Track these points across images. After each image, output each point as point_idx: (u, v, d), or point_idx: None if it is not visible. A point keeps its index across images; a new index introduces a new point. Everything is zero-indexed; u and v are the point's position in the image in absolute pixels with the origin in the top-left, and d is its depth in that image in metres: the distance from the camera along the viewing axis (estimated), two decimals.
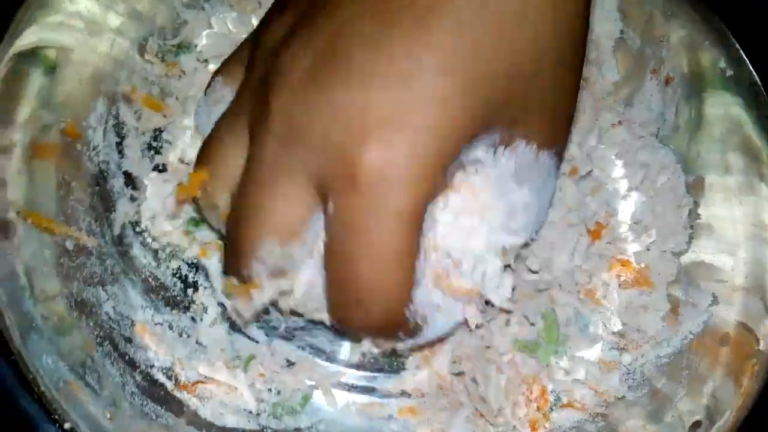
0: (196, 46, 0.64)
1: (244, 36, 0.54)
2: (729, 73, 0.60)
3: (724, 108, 0.61)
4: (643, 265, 0.62)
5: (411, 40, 0.37)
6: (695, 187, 0.62)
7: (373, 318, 0.41)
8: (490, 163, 0.43)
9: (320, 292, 0.44)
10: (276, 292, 0.45)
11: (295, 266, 0.43)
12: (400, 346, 0.47)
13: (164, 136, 0.63)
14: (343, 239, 0.39)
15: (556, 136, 0.45)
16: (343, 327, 0.44)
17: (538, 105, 0.42)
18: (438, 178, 0.39)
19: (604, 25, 0.66)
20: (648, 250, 0.62)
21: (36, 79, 0.56)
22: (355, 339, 0.48)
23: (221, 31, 0.64)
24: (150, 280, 0.60)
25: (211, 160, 0.46)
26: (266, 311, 0.49)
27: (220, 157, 0.45)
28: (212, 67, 0.63)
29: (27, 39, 0.54)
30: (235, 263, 0.44)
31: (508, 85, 0.39)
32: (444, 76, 0.37)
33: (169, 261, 0.60)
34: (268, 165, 0.40)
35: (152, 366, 0.57)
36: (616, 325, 0.61)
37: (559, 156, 0.46)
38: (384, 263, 0.39)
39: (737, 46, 0.60)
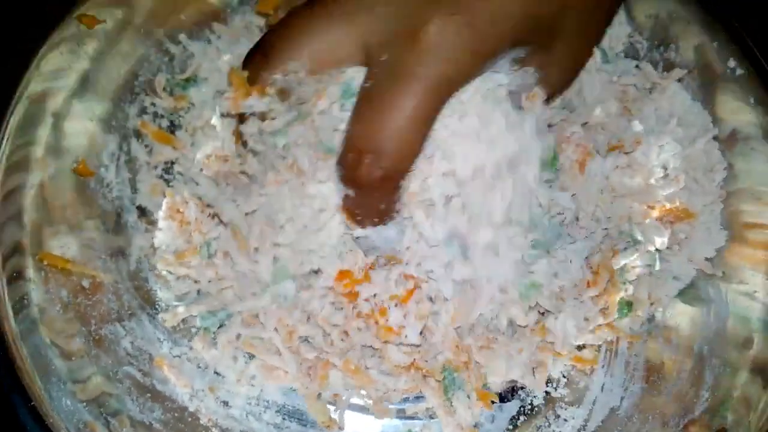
0: (205, 79, 0.65)
1: None
2: (739, 72, 0.59)
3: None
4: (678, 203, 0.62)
5: None
6: None
7: (380, 165, 0.45)
8: (506, 73, 0.49)
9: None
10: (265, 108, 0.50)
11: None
12: (366, 231, 0.51)
13: (176, 168, 0.64)
14: (385, 82, 0.45)
15: (560, 81, 0.53)
16: (347, 178, 0.47)
17: (561, 45, 0.49)
18: (477, 67, 0.46)
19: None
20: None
21: (47, 121, 0.57)
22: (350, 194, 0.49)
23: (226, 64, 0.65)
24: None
25: None
26: None
27: None
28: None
29: (37, 83, 0.56)
30: (260, 61, 0.49)
31: (554, 11, 0.46)
32: None
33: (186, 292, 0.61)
34: (334, 15, 0.47)
35: (173, 399, 0.58)
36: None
37: (551, 98, 0.54)
38: (411, 118, 0.44)
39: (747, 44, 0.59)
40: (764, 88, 0.58)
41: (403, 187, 0.48)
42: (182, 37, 0.64)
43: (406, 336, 0.54)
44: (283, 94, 0.49)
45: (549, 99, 0.53)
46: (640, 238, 0.61)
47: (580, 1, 0.48)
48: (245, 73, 0.49)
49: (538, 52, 0.48)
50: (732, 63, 0.59)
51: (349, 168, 0.47)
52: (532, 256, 0.54)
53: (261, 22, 0.66)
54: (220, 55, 0.65)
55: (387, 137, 0.44)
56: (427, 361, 0.58)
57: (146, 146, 0.63)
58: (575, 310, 0.60)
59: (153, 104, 0.64)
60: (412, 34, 0.43)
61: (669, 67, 0.63)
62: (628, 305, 0.61)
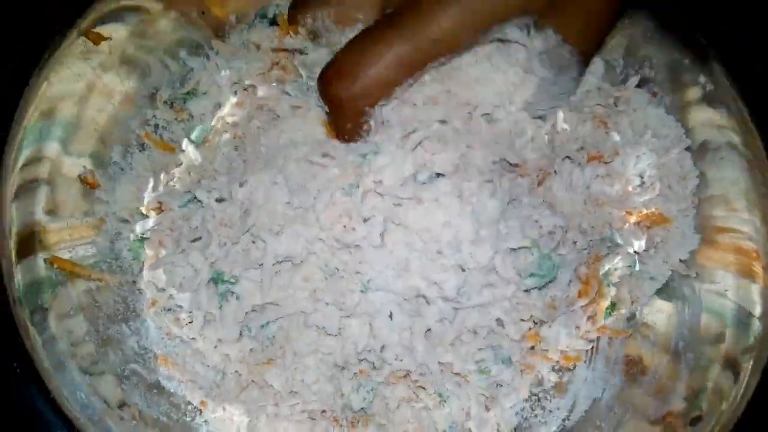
0: (204, 93, 0.68)
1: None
2: (709, 88, 0.62)
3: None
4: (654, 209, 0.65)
5: None
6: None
7: (347, 89, 0.53)
8: (522, 40, 0.54)
9: None
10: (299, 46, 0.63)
11: None
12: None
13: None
14: (381, 27, 0.53)
15: (585, 38, 0.56)
16: (321, 90, 0.55)
17: (573, 3, 0.54)
18: (468, 37, 0.53)
19: None
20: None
21: (55, 134, 0.59)
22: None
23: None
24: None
25: None
26: None
27: None
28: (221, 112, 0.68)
29: (47, 97, 0.58)
30: (298, 5, 0.62)
31: None
32: None
33: None
34: None
35: (178, 395, 0.60)
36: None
37: (584, 57, 0.57)
38: (387, 62, 0.52)
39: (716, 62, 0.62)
40: (732, 102, 0.60)
41: (369, 116, 0.55)
42: (182, 53, 0.67)
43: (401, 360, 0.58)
44: (313, 34, 0.61)
45: (586, 55, 0.57)
46: (620, 242, 0.64)
47: None
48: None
49: (548, 14, 0.53)
50: (702, 79, 0.62)
51: (323, 82, 0.54)
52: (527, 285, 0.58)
53: (257, 39, 0.68)
54: (219, 71, 0.68)
55: (361, 68, 0.52)
56: (422, 375, 0.60)
57: (148, 156, 0.66)
58: (567, 319, 0.63)
59: (154, 116, 0.66)
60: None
61: (644, 82, 0.66)
62: (612, 305, 0.65)
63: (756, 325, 0.58)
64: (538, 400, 0.64)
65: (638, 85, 0.67)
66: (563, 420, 0.63)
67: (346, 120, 0.56)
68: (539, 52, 0.54)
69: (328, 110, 0.56)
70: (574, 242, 0.62)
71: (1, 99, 0.56)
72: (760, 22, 0.60)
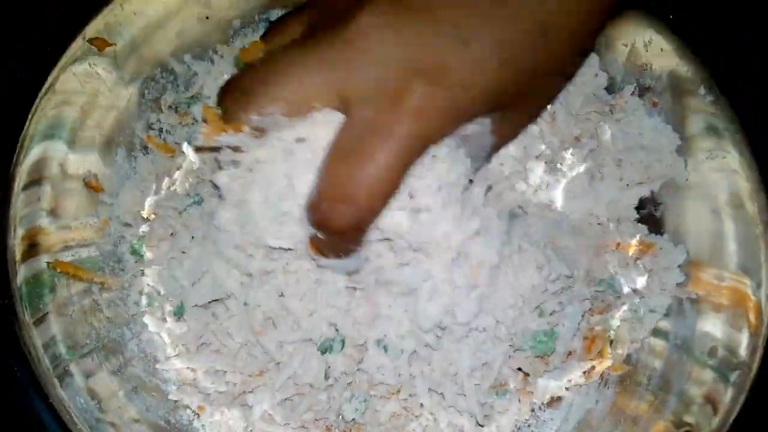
0: (208, 97, 0.68)
1: None
2: (709, 98, 0.62)
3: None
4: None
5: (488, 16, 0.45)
6: None
7: (351, 214, 0.46)
8: None
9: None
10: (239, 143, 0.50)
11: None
12: (329, 262, 0.51)
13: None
14: (362, 136, 0.45)
15: (512, 135, 0.56)
16: (318, 224, 0.48)
17: (522, 104, 0.51)
18: (449, 131, 0.48)
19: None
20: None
21: (61, 135, 0.60)
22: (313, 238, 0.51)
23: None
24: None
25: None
26: None
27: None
28: None
29: (52, 103, 0.59)
30: (239, 100, 0.49)
31: (526, 80, 0.48)
32: (495, 49, 0.45)
33: None
34: (312, 61, 0.47)
35: (176, 399, 0.62)
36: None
37: (497, 149, 0.55)
38: (384, 172, 0.45)
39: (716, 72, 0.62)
40: (730, 112, 0.61)
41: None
42: (187, 57, 0.68)
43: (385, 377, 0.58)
44: (257, 130, 0.49)
45: (494, 149, 0.55)
46: (623, 290, 0.65)
47: (550, 67, 0.50)
48: (219, 110, 0.50)
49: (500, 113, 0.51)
50: (702, 90, 0.62)
51: (320, 215, 0.48)
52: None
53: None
54: (223, 76, 0.68)
55: (360, 189, 0.45)
56: (412, 396, 0.60)
57: (152, 161, 0.66)
58: (560, 373, 0.63)
59: (159, 120, 0.67)
60: (394, 97, 0.45)
61: (643, 92, 0.66)
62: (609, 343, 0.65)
63: (746, 337, 0.58)
64: (532, 410, 0.65)
65: (639, 95, 0.67)
66: (556, 430, 0.64)
67: (349, 244, 0.50)
68: (465, 133, 0.50)
69: (323, 238, 0.49)
70: (578, 293, 0.62)
71: (8, 100, 0.57)
72: (760, 22, 0.61)
